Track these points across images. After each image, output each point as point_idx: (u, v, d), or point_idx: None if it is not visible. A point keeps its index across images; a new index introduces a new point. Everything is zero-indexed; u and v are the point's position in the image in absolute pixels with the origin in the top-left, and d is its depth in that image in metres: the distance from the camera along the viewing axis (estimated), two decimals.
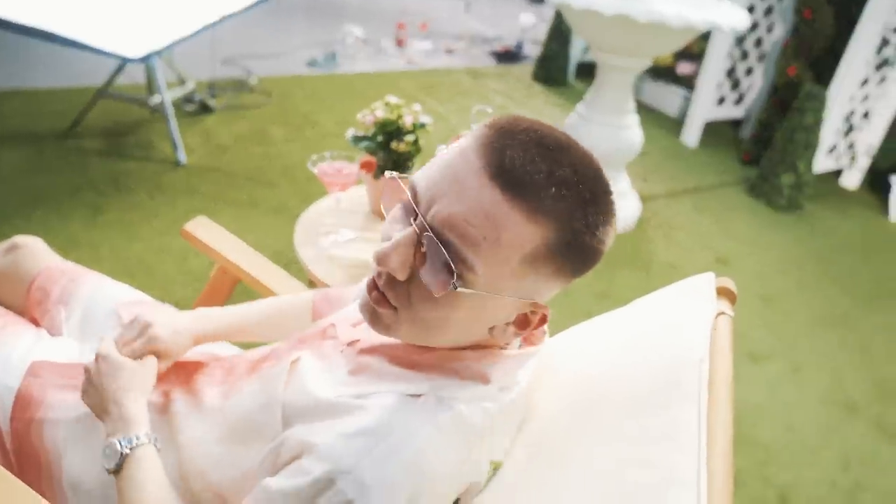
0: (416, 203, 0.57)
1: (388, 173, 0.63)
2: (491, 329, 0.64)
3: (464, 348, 0.68)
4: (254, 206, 2.53)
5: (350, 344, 0.75)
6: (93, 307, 1.12)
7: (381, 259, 0.57)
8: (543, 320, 0.64)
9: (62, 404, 0.90)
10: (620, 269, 2.44)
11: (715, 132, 3.82)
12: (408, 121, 1.47)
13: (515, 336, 0.65)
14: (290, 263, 1.80)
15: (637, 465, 0.59)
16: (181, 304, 1.90)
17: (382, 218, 1.37)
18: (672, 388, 0.66)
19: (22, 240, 1.17)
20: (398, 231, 0.59)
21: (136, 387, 0.83)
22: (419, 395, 0.65)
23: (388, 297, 0.61)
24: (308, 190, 2.62)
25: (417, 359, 0.68)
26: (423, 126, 1.50)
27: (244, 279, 1.23)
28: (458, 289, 0.55)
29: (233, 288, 1.27)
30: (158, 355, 0.88)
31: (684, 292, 0.83)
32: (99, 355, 0.85)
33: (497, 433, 0.69)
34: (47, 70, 3.39)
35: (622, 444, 0.63)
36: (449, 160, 0.58)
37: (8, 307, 1.13)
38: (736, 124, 3.96)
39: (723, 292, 0.84)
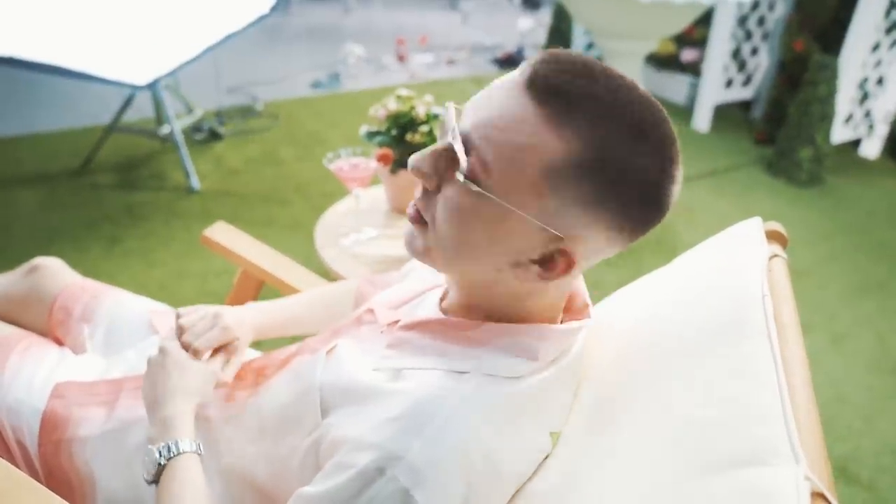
0: (458, 119, 0.58)
1: (448, 104, 0.61)
2: (514, 266, 0.59)
3: (509, 321, 0.64)
4: (270, 224, 2.51)
5: (391, 325, 0.72)
6: (116, 322, 1.10)
7: (413, 162, 0.58)
8: (569, 266, 0.58)
9: (88, 422, 0.86)
10: (646, 258, 2.39)
11: (725, 115, 3.78)
12: (420, 111, 1.44)
13: (540, 280, 0.59)
14: (314, 270, 1.78)
15: (716, 404, 0.54)
16: None
17: (404, 213, 1.33)
18: (738, 325, 0.62)
19: (42, 261, 1.15)
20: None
21: (189, 389, 0.79)
22: (464, 373, 0.61)
23: (420, 209, 0.60)
24: (323, 205, 2.60)
25: (461, 334, 0.65)
26: (436, 116, 1.48)
27: (268, 281, 1.20)
28: (471, 187, 0.54)
29: (258, 291, 1.24)
30: (229, 348, 0.86)
31: (733, 238, 0.79)
32: (160, 348, 0.82)
33: (551, 403, 0.65)
34: (57, 112, 3.42)
35: (695, 386, 0.58)
36: (496, 82, 0.58)
37: (31, 329, 1.11)
38: (746, 106, 3.91)
39: (773, 236, 0.79)
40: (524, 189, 0.54)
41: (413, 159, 0.58)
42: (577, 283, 0.71)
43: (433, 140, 1.46)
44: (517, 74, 0.56)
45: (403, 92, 1.47)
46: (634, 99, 0.54)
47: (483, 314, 0.65)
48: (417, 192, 0.61)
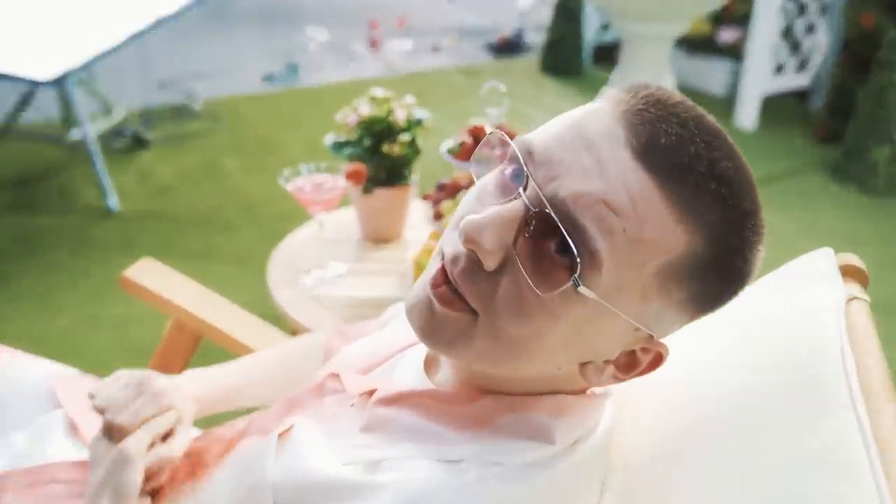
0: (530, 169, 0.53)
1: (488, 127, 0.59)
2: (584, 366, 0.59)
3: (521, 394, 0.62)
4: (210, 256, 2.49)
5: (363, 395, 0.69)
6: (8, 392, 1.07)
7: (471, 231, 0.52)
8: (656, 363, 0.59)
9: None
10: None
11: (775, 108, 3.81)
12: (400, 116, 1.44)
13: (615, 381, 0.60)
14: (267, 317, 1.76)
15: None
16: None
17: (380, 242, 1.31)
18: (812, 394, 0.60)
19: None
20: (497, 203, 0.54)
21: (122, 490, 0.75)
22: (459, 461, 0.59)
23: (464, 293, 0.55)
24: (278, 230, 2.56)
25: (456, 411, 0.63)
26: (419, 122, 1.48)
27: (208, 334, 1.18)
28: (579, 287, 0.51)
29: (195, 347, 1.22)
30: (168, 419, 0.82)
31: (797, 277, 0.78)
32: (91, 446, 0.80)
33: (572, 500, 0.63)
34: None
35: (754, 477, 0.56)
36: (576, 121, 0.55)
37: None
38: (801, 96, 3.95)
39: (850, 272, 0.78)
40: (633, 289, 0.53)
41: (470, 225, 0.52)
42: None
43: (416, 152, 1.46)
44: (613, 124, 0.53)
45: (378, 92, 1.47)
46: (746, 170, 0.56)
47: (486, 388, 0.64)
48: (454, 265, 0.55)
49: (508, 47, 4.82)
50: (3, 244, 2.49)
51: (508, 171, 0.56)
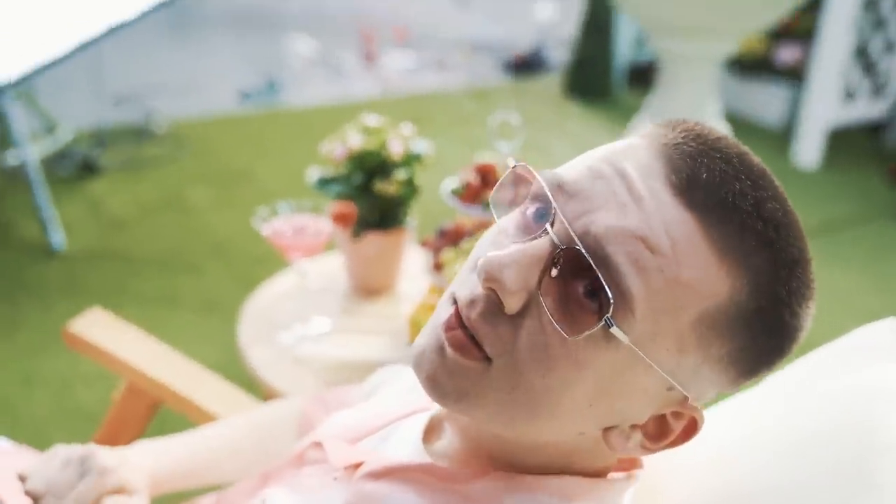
0: (560, 202, 0.56)
1: (510, 160, 0.61)
2: (608, 431, 0.60)
3: (533, 468, 0.63)
4: (170, 303, 2.51)
5: (348, 469, 0.70)
6: None
7: (492, 269, 0.54)
8: (690, 431, 0.60)
9: None
10: None
11: (843, 143, 3.83)
12: (396, 149, 1.46)
13: (643, 451, 0.61)
14: (241, 381, 1.77)
15: None
16: None
17: (371, 295, 1.33)
18: (863, 487, 0.61)
19: None
20: (521, 242, 0.56)
21: None
22: None
23: (482, 338, 0.56)
24: (251, 274, 2.61)
25: (459, 489, 0.64)
26: (418, 157, 1.50)
27: (167, 399, 1.19)
28: (612, 328, 0.52)
29: (151, 414, 1.23)
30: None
31: (861, 348, 0.80)
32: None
33: None
34: None
35: None
36: (609, 154, 0.57)
37: None
38: (874, 130, 3.96)
39: None
40: (669, 338, 0.54)
41: (491, 263, 0.54)
42: None
43: (413, 191, 1.48)
44: (650, 158, 0.56)
45: (371, 120, 1.49)
46: (793, 215, 0.58)
47: (494, 459, 0.65)
48: (471, 308, 0.57)
49: (526, 65, 4.87)
50: None
51: (532, 210, 0.58)
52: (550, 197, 0.55)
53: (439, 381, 0.58)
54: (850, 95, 3.72)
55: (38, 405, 2.08)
